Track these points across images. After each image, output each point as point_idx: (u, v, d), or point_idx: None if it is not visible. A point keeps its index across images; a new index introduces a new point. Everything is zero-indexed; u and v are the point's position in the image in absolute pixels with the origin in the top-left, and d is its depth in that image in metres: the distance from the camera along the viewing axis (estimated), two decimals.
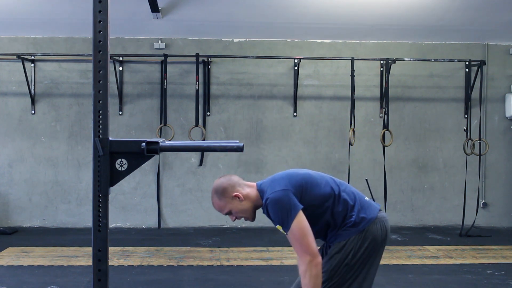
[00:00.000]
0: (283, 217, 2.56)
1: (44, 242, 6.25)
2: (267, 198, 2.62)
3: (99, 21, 1.76)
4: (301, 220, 2.56)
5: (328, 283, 2.65)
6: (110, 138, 1.78)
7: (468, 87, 7.38)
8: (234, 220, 2.78)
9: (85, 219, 7.17)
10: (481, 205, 7.50)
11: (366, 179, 6.74)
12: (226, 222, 7.36)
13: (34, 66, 7.20)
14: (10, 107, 7.22)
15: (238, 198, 2.70)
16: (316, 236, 2.80)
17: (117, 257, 5.51)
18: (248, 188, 2.74)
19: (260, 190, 2.72)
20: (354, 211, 2.68)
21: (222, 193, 2.70)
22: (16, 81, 7.18)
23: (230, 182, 2.73)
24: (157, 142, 1.80)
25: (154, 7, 5.93)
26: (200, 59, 7.11)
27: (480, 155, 7.15)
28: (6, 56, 6.95)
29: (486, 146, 7.21)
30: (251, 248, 6.03)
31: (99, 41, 1.76)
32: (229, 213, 2.74)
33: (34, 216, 7.23)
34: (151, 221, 7.30)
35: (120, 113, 7.26)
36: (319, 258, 2.54)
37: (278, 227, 2.71)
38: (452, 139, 7.54)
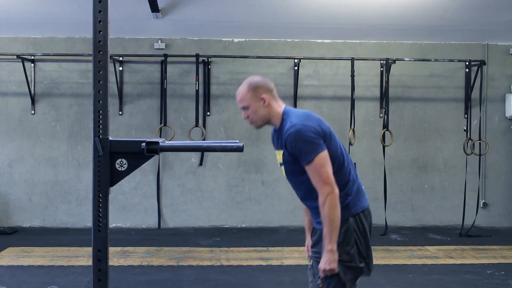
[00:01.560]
0: (308, 149, 2.53)
1: (44, 242, 6.25)
2: (295, 124, 2.57)
3: (99, 21, 1.76)
4: (325, 155, 2.55)
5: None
6: (110, 138, 1.78)
7: (468, 87, 7.38)
8: (245, 118, 2.75)
9: (85, 219, 7.17)
10: (481, 205, 7.50)
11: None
12: (226, 222, 7.36)
13: (34, 66, 7.20)
14: (10, 107, 7.22)
15: (264, 101, 2.68)
16: (305, 196, 2.73)
17: (117, 257, 5.51)
18: (275, 102, 2.72)
19: (285, 113, 2.69)
20: (353, 191, 2.67)
21: (254, 88, 2.68)
22: (16, 81, 7.18)
23: (266, 85, 2.71)
24: (157, 142, 1.80)
25: (154, 7, 5.93)
26: (200, 59, 7.11)
27: (480, 155, 7.15)
28: (6, 56, 6.95)
29: (486, 146, 7.21)
30: (251, 248, 6.03)
31: (99, 41, 1.76)
32: (245, 108, 2.71)
33: (34, 216, 7.23)
34: (151, 221, 7.30)
35: (120, 113, 7.26)
36: (338, 190, 2.54)
37: (278, 153, 2.68)
38: (452, 139, 7.54)
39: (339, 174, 2.64)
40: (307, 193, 2.68)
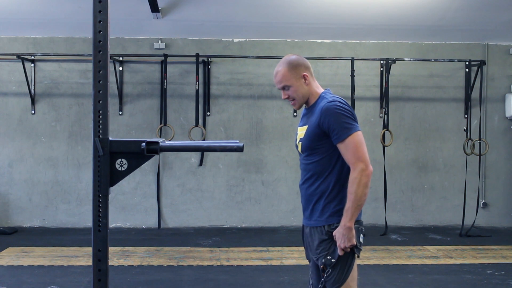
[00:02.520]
0: (347, 125, 2.52)
1: (44, 242, 6.25)
2: (337, 100, 2.59)
3: (99, 21, 1.75)
4: (361, 135, 2.56)
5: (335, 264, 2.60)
6: (110, 138, 1.78)
7: (468, 87, 7.38)
8: (285, 98, 2.72)
9: (85, 219, 7.16)
10: (481, 205, 7.50)
11: None
12: (226, 222, 7.36)
13: (34, 66, 7.20)
14: (10, 107, 7.22)
15: (305, 79, 2.68)
16: (309, 178, 2.68)
17: (117, 257, 5.51)
18: (314, 82, 2.74)
19: (324, 92, 2.70)
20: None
21: (295, 67, 2.67)
22: (16, 81, 7.18)
23: (305, 63, 2.71)
24: (157, 142, 1.80)
25: (154, 7, 5.93)
26: (200, 59, 7.11)
27: (480, 155, 7.15)
28: (6, 56, 6.95)
29: (486, 146, 7.21)
30: (251, 248, 6.03)
31: (99, 41, 1.76)
32: (286, 87, 2.69)
33: (34, 216, 7.23)
34: (151, 221, 7.30)
35: (120, 113, 7.26)
36: (371, 168, 2.53)
37: (301, 129, 2.66)
38: (452, 139, 7.53)
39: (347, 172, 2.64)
40: (313, 175, 2.65)
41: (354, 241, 2.53)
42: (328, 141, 2.59)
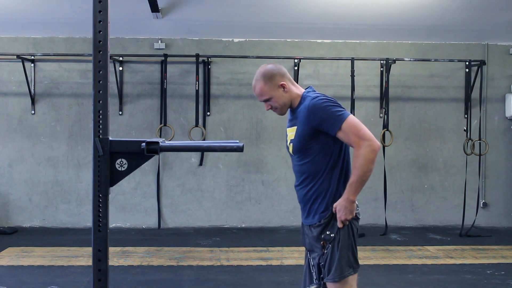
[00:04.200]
0: (337, 114, 2.53)
1: (44, 242, 6.25)
2: (319, 96, 2.62)
3: (99, 21, 1.76)
4: (354, 117, 2.57)
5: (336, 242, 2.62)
6: (110, 138, 1.78)
7: (468, 87, 7.38)
8: (268, 109, 2.75)
9: (85, 219, 7.16)
10: (481, 205, 7.50)
11: None
12: (226, 222, 7.36)
13: (34, 66, 7.20)
14: (10, 107, 7.22)
15: (284, 88, 2.68)
16: (304, 179, 2.69)
17: (117, 257, 5.51)
18: (293, 85, 2.74)
19: (305, 93, 2.72)
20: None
21: (270, 78, 2.67)
22: (16, 81, 7.18)
23: (280, 71, 2.71)
24: (157, 142, 1.80)
25: (154, 7, 5.94)
26: (200, 59, 7.11)
27: (480, 155, 7.15)
28: (6, 56, 6.95)
29: (486, 146, 7.21)
30: (251, 248, 6.03)
31: (99, 41, 1.76)
32: (267, 100, 2.71)
33: (34, 216, 7.23)
34: (151, 221, 7.30)
35: (120, 113, 7.26)
36: (378, 143, 2.53)
37: (290, 130, 2.66)
38: (452, 139, 7.53)
39: (344, 169, 2.65)
40: (308, 176, 2.66)
41: (354, 214, 2.57)
42: (319, 139, 2.59)
